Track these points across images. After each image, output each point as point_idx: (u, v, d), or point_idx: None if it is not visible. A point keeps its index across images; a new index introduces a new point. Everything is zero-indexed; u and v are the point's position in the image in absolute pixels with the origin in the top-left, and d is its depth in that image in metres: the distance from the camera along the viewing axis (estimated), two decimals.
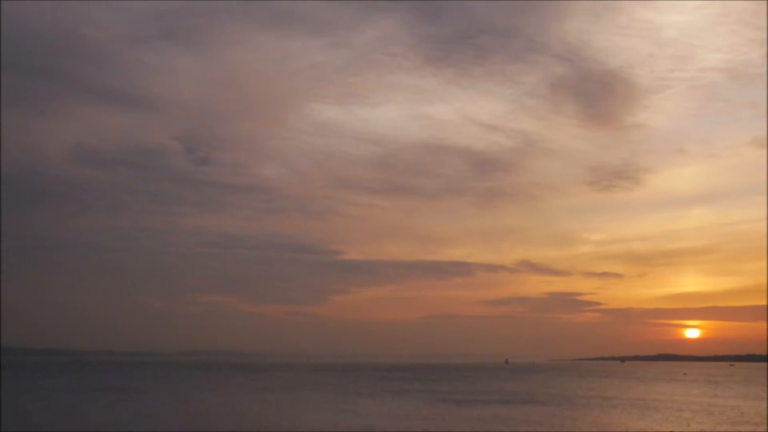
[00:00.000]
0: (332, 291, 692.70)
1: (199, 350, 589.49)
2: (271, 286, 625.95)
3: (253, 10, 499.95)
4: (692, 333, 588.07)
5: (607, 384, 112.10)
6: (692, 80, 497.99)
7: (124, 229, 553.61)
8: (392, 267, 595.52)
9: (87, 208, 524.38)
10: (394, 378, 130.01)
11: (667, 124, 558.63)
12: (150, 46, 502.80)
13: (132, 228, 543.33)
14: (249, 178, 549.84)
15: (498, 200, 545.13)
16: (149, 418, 48.53)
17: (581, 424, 46.41)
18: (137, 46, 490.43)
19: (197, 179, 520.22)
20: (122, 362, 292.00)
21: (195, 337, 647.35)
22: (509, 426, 44.76)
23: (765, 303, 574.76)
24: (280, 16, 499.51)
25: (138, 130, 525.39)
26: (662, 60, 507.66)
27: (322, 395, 74.71)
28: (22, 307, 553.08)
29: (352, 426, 43.87)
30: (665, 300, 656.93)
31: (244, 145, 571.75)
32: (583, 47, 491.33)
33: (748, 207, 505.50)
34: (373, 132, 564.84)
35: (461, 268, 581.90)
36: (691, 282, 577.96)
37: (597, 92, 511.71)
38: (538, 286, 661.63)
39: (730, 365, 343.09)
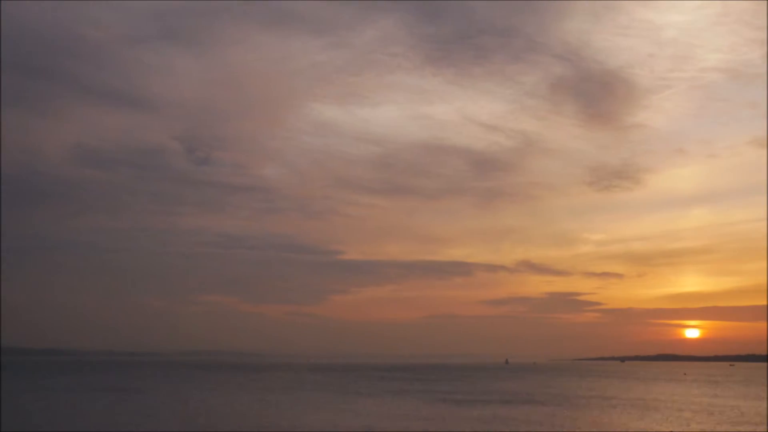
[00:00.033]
0: (332, 291, 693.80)
1: (199, 350, 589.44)
2: (271, 286, 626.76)
3: (253, 10, 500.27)
4: (692, 333, 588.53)
5: (607, 384, 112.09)
6: (692, 80, 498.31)
7: (124, 229, 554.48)
8: (392, 267, 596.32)
9: (87, 208, 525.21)
10: (394, 378, 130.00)
11: (667, 124, 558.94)
12: (150, 46, 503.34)
13: (132, 228, 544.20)
14: (249, 178, 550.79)
15: (498, 200, 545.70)
16: (149, 418, 48.53)
17: (581, 424, 46.41)
18: (137, 46, 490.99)
19: (197, 179, 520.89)
20: (122, 362, 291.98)
21: (195, 337, 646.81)
22: (509, 426, 44.75)
23: (765, 303, 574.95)
24: (280, 16, 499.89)
25: (138, 130, 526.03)
26: (662, 60, 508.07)
27: (322, 395, 74.71)
28: (22, 307, 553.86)
29: (352, 426, 43.86)
30: (665, 300, 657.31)
31: (244, 145, 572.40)
32: (583, 47, 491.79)
33: (748, 207, 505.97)
34: (373, 132, 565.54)
35: (461, 268, 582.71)
36: (691, 282, 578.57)
37: (597, 92, 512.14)
38: (538, 286, 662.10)
39: (730, 365, 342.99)
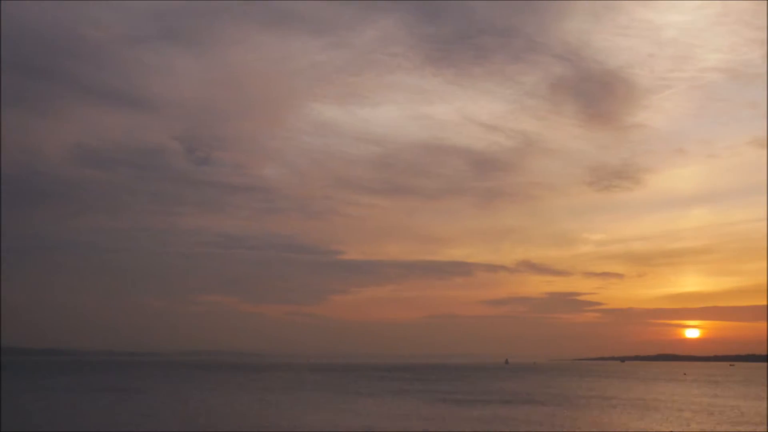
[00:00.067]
0: (332, 291, 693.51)
1: (199, 350, 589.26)
2: (271, 286, 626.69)
3: (253, 10, 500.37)
4: (692, 333, 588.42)
5: (607, 384, 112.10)
6: (692, 80, 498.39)
7: (124, 229, 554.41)
8: (392, 267, 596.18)
9: (87, 208, 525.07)
10: (394, 378, 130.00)
11: (667, 124, 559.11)
12: (150, 46, 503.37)
13: (132, 228, 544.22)
14: (249, 178, 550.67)
15: (498, 200, 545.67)
16: (149, 418, 48.53)
17: (581, 424, 46.40)
18: (137, 46, 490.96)
19: (197, 179, 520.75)
20: (122, 362, 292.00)
21: (195, 337, 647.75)
22: (509, 426, 44.75)
23: (765, 303, 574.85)
24: (280, 16, 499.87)
25: (138, 130, 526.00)
26: (662, 60, 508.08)
27: (322, 395, 74.70)
28: (22, 307, 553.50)
29: (352, 426, 43.86)
30: (665, 300, 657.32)
31: (244, 145, 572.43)
32: (583, 47, 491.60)
33: (748, 207, 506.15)
34: (373, 132, 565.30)
35: (461, 268, 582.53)
36: (691, 282, 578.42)
37: (597, 92, 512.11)
38: (538, 286, 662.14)
39: (730, 365, 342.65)
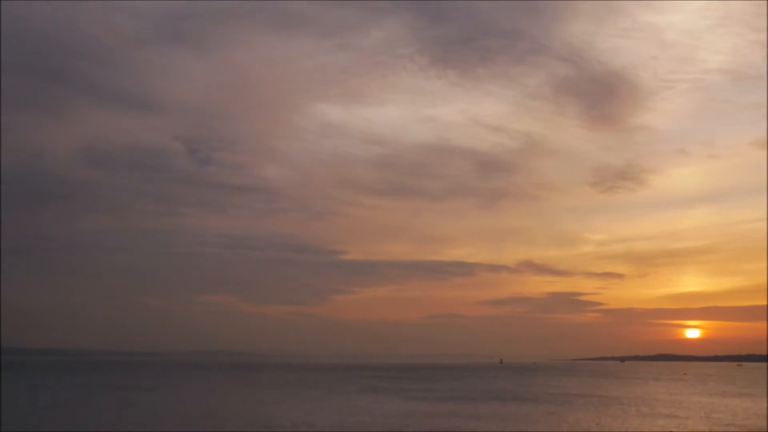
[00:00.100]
0: (334, 291, 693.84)
1: (200, 350, 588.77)
2: (273, 286, 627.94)
3: (259, 12, 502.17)
4: (693, 333, 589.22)
5: (607, 384, 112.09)
6: (694, 82, 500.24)
7: (127, 230, 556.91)
8: (394, 267, 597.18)
9: (90, 209, 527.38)
10: (395, 378, 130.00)
11: (669, 125, 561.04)
12: (155, 47, 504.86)
13: (134, 228, 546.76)
14: (251, 179, 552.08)
15: (501, 201, 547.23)
16: (149, 417, 48.55)
17: (581, 424, 46.40)
18: (143, 48, 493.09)
19: (200, 180, 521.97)
20: (122, 362, 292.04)
21: (196, 337, 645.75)
22: (509, 425, 44.76)
23: (765, 303, 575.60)
24: (286, 18, 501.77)
25: (141, 131, 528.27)
26: (665, 62, 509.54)
27: (322, 395, 74.69)
28: (22, 307, 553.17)
29: (353, 425, 43.87)
30: (666, 300, 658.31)
31: (247, 146, 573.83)
32: (586, 49, 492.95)
33: (748, 207, 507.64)
34: (378, 133, 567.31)
35: (463, 268, 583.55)
36: (691, 282, 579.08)
37: (600, 94, 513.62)
38: (540, 286, 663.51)
39: (738, 365, 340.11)
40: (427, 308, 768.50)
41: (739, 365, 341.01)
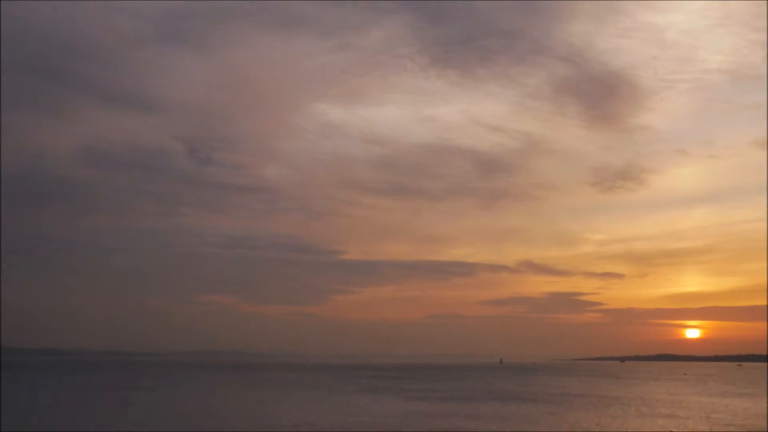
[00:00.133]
0: (334, 291, 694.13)
1: (200, 350, 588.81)
2: (273, 286, 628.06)
3: (260, 12, 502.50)
4: (693, 333, 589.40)
5: (607, 384, 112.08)
6: (694, 82, 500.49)
7: (127, 230, 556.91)
8: (394, 267, 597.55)
9: (90, 209, 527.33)
10: (395, 378, 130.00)
11: (669, 125, 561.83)
12: (155, 47, 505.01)
13: (135, 228, 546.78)
14: (251, 179, 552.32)
15: (501, 201, 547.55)
16: (149, 417, 48.54)
17: (581, 424, 46.38)
18: (142, 48, 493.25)
19: (200, 180, 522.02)
20: (122, 362, 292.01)
21: (196, 337, 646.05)
22: (509, 425, 44.75)
23: (765, 303, 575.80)
24: (287, 18, 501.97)
25: (141, 131, 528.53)
26: (665, 62, 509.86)
27: (322, 395, 74.68)
28: (22, 307, 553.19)
29: (353, 425, 43.86)
30: (666, 300, 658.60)
31: (247, 146, 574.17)
32: (586, 49, 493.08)
33: (748, 207, 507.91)
34: (378, 133, 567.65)
35: (463, 268, 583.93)
36: (691, 282, 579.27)
37: (600, 94, 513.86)
38: (540, 286, 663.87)
39: (738, 365, 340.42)
40: (427, 308, 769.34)
41: (739, 365, 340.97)
